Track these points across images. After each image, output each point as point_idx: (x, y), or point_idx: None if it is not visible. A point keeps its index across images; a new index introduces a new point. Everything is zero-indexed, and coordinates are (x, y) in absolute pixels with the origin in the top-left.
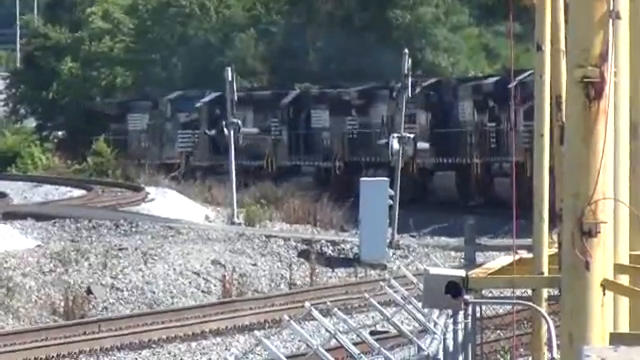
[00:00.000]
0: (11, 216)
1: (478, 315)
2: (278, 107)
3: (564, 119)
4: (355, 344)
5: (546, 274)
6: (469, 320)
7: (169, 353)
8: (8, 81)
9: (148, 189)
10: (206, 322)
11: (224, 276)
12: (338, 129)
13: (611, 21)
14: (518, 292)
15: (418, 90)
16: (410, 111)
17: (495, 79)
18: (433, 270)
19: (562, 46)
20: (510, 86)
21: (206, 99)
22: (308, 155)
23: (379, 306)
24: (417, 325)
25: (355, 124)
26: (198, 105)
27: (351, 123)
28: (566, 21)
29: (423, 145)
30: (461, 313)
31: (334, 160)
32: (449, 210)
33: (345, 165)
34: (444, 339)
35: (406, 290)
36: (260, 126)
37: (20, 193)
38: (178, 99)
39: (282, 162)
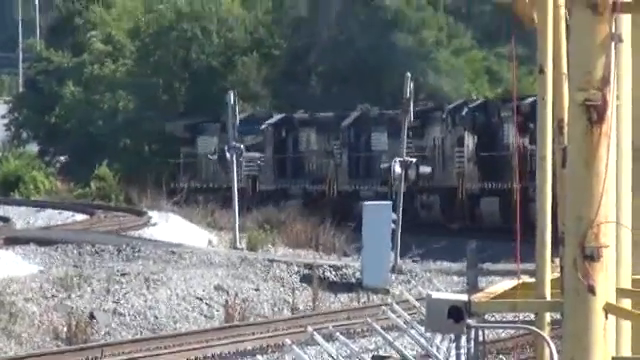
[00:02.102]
0: (13, 241)
1: (481, 339)
2: (339, 129)
3: (566, 142)
4: None
5: (549, 298)
6: (472, 344)
7: None
8: (10, 105)
9: (151, 213)
10: (209, 347)
11: (227, 301)
12: (395, 152)
13: (613, 44)
14: (521, 316)
15: (465, 112)
16: (459, 133)
17: (532, 99)
18: (435, 294)
19: (564, 69)
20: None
21: (271, 121)
22: (367, 179)
23: (382, 330)
24: (420, 349)
25: (412, 147)
26: (263, 127)
27: (408, 146)
28: (568, 44)
29: (425, 169)
30: (464, 337)
31: (390, 185)
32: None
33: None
34: None
35: (409, 315)
36: (323, 148)
37: (23, 218)
38: (245, 121)
39: (343, 186)
